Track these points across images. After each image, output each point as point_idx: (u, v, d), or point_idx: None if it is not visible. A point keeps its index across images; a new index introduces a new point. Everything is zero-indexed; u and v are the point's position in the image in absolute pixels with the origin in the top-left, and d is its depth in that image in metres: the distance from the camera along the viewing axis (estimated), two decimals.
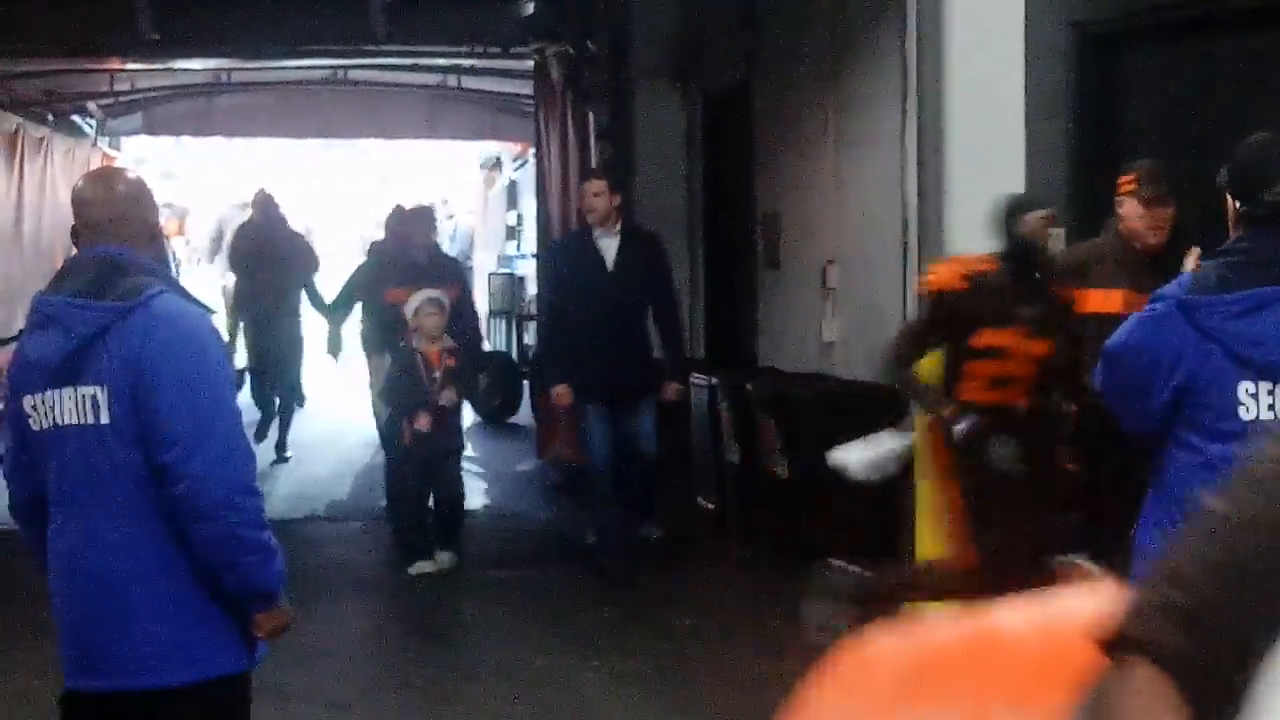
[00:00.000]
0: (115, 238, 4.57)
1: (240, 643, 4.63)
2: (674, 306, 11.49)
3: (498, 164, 25.43)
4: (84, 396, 4.42)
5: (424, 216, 13.16)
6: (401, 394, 11.14)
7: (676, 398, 11.17)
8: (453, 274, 12.64)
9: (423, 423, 10.95)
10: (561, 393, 10.92)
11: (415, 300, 11.04)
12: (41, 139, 19.87)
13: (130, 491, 4.43)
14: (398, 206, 13.79)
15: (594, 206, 10.99)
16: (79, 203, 4.67)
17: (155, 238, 4.72)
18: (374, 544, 11.98)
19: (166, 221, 22.01)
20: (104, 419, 4.40)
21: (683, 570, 10.91)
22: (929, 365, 7.74)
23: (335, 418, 17.91)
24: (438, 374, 11.00)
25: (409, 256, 12.37)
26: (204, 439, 4.36)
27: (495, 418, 18.47)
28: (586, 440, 11.00)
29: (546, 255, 11.61)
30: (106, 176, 4.93)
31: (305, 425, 16.72)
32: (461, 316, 11.78)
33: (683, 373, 11.47)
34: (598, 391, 10.78)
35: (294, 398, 16.17)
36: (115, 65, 18.42)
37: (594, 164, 14.91)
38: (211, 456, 4.36)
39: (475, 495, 14.15)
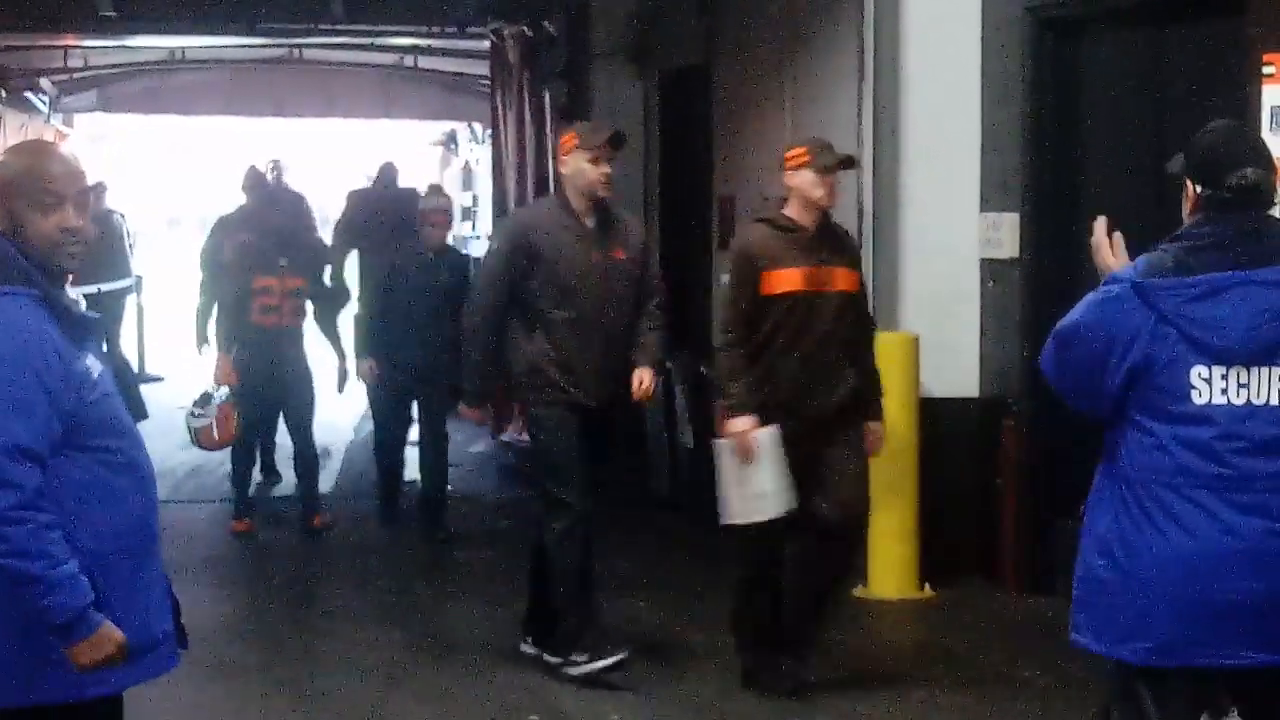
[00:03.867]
0: None
1: (51, 672, 4.27)
2: None
3: (453, 142, 25.40)
4: None
5: None
6: None
7: None
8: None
9: None
10: None
11: None
12: None
13: None
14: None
15: None
16: None
17: (15, 219, 4.30)
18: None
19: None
20: None
21: (635, 553, 10.91)
22: None
23: None
24: None
25: None
26: None
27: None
28: None
29: None
30: None
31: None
32: None
33: None
34: None
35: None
36: (70, 41, 18.34)
37: (549, 145, 14.90)
38: None
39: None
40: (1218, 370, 4.50)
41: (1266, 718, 4.71)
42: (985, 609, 9.31)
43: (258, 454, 12.72)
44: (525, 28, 15.25)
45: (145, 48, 19.44)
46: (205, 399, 11.78)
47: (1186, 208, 4.73)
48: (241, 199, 13.43)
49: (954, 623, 9.17)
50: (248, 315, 11.54)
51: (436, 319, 11.23)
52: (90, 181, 4.57)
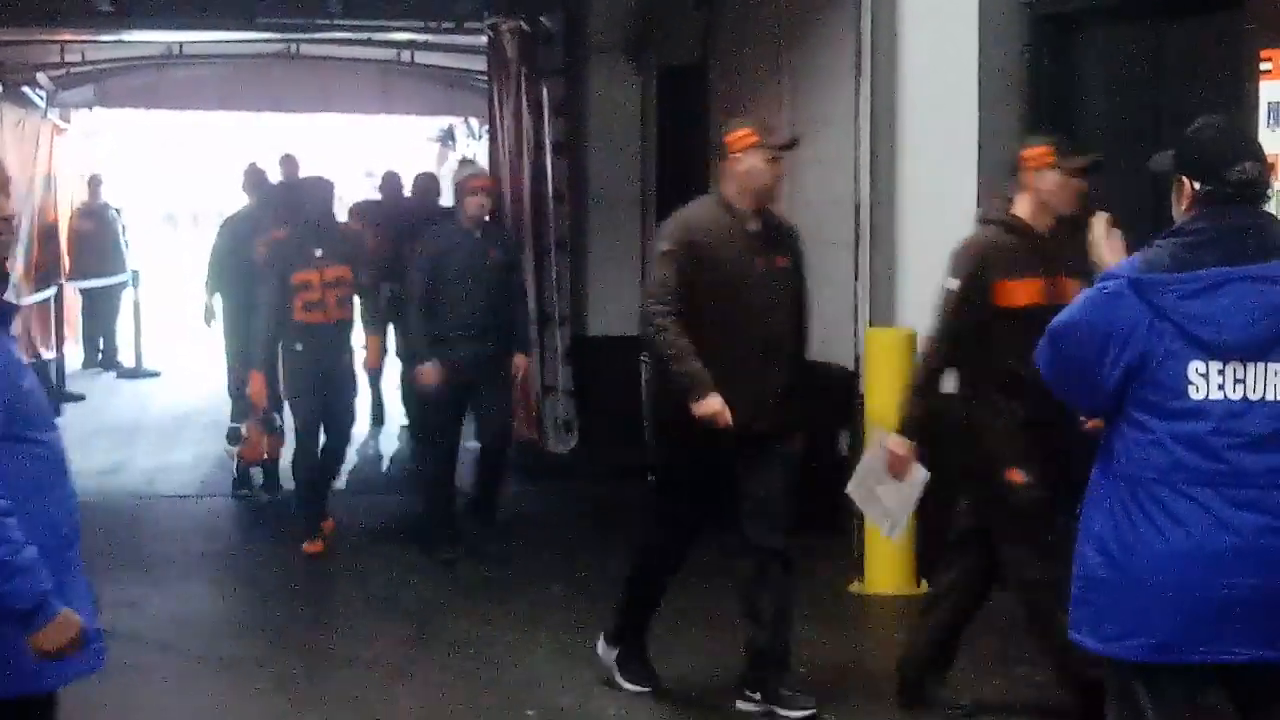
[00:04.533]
0: None
1: (23, 665, 4.25)
2: None
3: (450, 138, 25.41)
4: None
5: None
6: None
7: None
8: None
9: None
10: None
11: None
12: None
13: None
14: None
15: None
16: None
17: None
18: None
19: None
20: None
21: (629, 545, 10.91)
22: None
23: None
24: None
25: None
26: None
27: None
28: None
29: None
30: None
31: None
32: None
33: None
34: None
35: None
36: (67, 36, 18.31)
37: (546, 140, 14.89)
38: None
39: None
40: (1215, 366, 4.51)
41: (1263, 713, 4.71)
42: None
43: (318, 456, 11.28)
44: (523, 23, 15.22)
45: (142, 43, 19.43)
46: (234, 435, 11.50)
47: (1181, 204, 4.72)
48: (243, 199, 13.40)
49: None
50: (290, 315, 10.70)
51: (492, 306, 10.51)
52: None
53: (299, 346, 10.74)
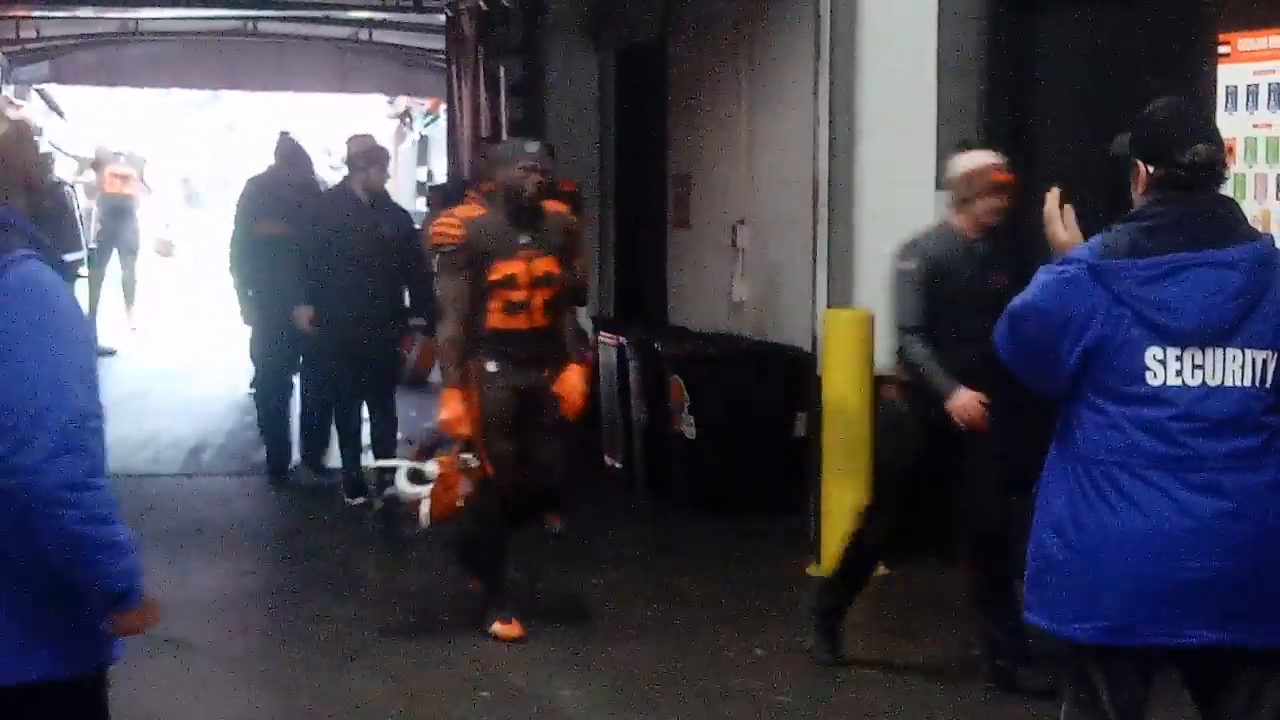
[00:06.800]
0: None
1: (84, 645, 4.16)
2: None
3: (408, 117, 25.36)
4: None
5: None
6: None
7: None
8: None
9: None
10: None
11: None
12: None
13: None
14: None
15: None
16: None
17: (32, 188, 4.18)
18: (273, 499, 11.91)
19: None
20: None
21: (590, 528, 10.88)
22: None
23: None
24: None
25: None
26: (38, 430, 3.95)
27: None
28: None
29: None
30: None
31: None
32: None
33: None
34: None
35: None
36: (21, 12, 18.22)
37: (504, 120, 14.86)
38: (45, 450, 3.95)
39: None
40: (1173, 352, 4.49)
41: (1216, 696, 4.70)
42: (938, 586, 9.31)
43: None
44: (481, 1, 15.19)
45: (98, 19, 19.35)
46: (417, 475, 8.54)
47: (1138, 188, 4.70)
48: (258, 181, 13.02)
49: (907, 600, 9.17)
50: (482, 321, 8.32)
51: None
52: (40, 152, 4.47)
53: (491, 366, 8.34)
